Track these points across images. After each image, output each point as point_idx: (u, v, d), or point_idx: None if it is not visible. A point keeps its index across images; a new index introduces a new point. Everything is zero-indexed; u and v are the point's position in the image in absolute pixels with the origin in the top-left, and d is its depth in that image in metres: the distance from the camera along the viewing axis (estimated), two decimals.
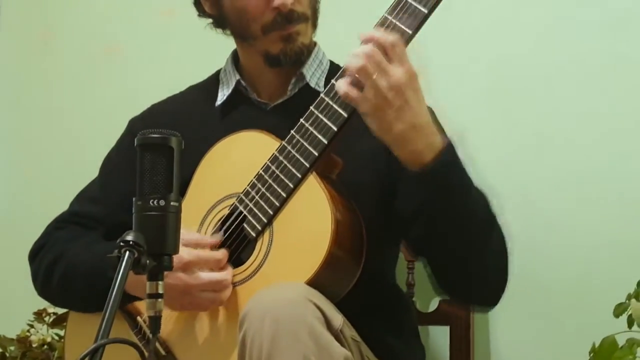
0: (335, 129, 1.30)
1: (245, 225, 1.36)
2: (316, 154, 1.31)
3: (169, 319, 1.38)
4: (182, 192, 1.12)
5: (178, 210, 1.08)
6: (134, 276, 1.02)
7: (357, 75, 1.25)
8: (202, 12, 1.53)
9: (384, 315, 1.49)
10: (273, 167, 1.34)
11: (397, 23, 1.28)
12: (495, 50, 1.85)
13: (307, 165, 1.31)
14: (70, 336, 1.54)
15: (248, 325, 1.20)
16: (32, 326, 1.92)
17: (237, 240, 1.37)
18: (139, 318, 1.43)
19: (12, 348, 1.92)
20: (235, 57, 1.57)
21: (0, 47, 2.31)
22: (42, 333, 1.91)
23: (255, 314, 1.20)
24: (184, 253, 1.29)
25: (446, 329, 1.77)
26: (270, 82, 1.52)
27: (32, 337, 1.91)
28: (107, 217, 1.52)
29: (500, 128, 1.83)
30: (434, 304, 1.81)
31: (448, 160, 1.28)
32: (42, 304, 1.79)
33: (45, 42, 2.23)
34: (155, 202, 1.07)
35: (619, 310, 1.48)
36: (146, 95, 1.69)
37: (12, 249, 2.12)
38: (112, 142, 1.63)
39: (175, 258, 1.09)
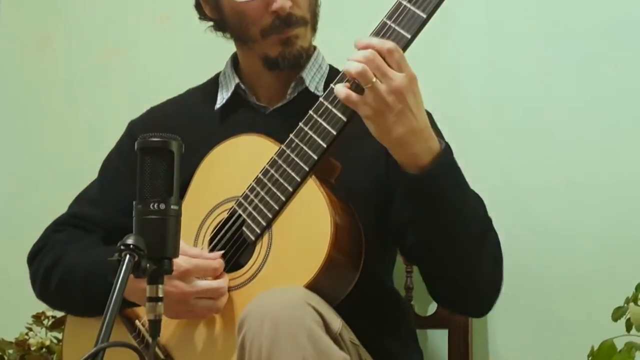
0: (334, 133, 1.31)
1: (244, 229, 1.36)
2: (315, 157, 1.32)
3: (168, 323, 1.38)
4: (181, 195, 1.12)
5: (178, 213, 1.09)
6: (131, 282, 1.02)
7: (356, 80, 1.26)
8: (202, 16, 1.54)
9: (382, 318, 1.49)
10: (272, 171, 1.35)
11: (396, 27, 1.28)
12: (493, 55, 1.85)
13: (307, 169, 1.32)
14: (68, 339, 1.54)
15: (247, 328, 1.20)
16: (30, 329, 1.92)
17: (236, 244, 1.37)
18: (137, 322, 1.43)
19: (10, 351, 1.92)
20: (234, 61, 1.57)
21: (0, 51, 2.31)
22: (41, 336, 1.91)
23: (254, 316, 1.20)
24: (182, 261, 1.29)
25: (445, 333, 1.77)
26: (269, 86, 1.52)
27: (31, 340, 1.90)
28: (106, 219, 1.53)
29: (498, 132, 1.83)
30: (432, 308, 1.82)
31: (445, 164, 1.29)
32: (40, 307, 1.79)
33: (45, 46, 2.23)
34: (155, 206, 1.07)
35: (617, 314, 1.48)
36: (145, 98, 1.69)
37: (10, 251, 2.12)
38: (111, 145, 1.63)
39: (173, 266, 1.09)
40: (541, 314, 1.76)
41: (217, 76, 1.60)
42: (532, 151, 1.81)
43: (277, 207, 1.33)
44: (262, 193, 1.35)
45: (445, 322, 1.76)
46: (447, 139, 1.35)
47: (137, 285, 1.13)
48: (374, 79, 1.23)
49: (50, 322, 1.91)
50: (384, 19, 1.29)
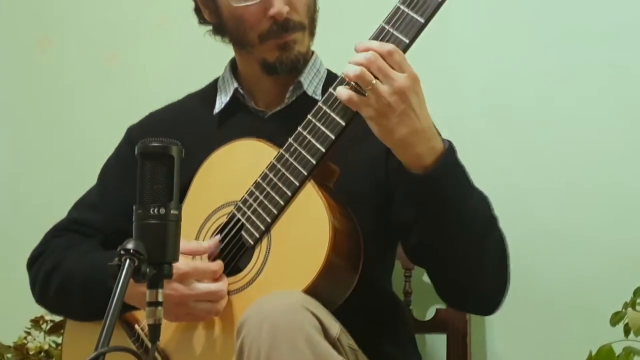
0: (332, 137, 1.31)
1: (243, 233, 1.36)
2: (314, 162, 1.32)
3: (167, 327, 1.38)
4: (180, 199, 1.13)
5: (178, 218, 1.09)
6: (131, 286, 1.02)
7: (357, 82, 1.26)
8: (202, 20, 1.54)
9: (381, 323, 1.49)
10: (271, 175, 1.35)
11: (394, 32, 1.28)
12: (491, 58, 1.85)
13: (305, 173, 1.32)
14: (67, 344, 1.54)
15: (246, 332, 1.20)
16: (29, 333, 1.92)
17: (235, 248, 1.38)
18: (136, 326, 1.43)
19: (9, 355, 1.92)
20: (233, 65, 1.58)
21: None
22: (39, 340, 1.91)
23: (253, 320, 1.20)
24: (181, 264, 1.29)
25: (443, 337, 1.77)
26: (267, 90, 1.52)
27: (29, 345, 1.90)
28: (106, 224, 1.53)
29: (499, 136, 1.84)
30: (431, 312, 1.82)
31: (449, 163, 1.29)
32: (39, 311, 1.80)
33: (44, 49, 2.24)
34: (155, 211, 1.07)
35: (615, 318, 1.48)
36: (144, 102, 1.69)
37: (9, 255, 2.12)
38: (110, 150, 1.63)
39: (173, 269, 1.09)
40: (539, 318, 1.76)
41: (215, 81, 1.60)
42: (532, 153, 1.81)
43: (275, 212, 1.33)
44: (261, 197, 1.35)
45: (444, 326, 1.76)
46: None
47: (137, 289, 1.14)
48: (374, 81, 1.24)
49: (48, 327, 1.91)
50: (382, 24, 1.30)
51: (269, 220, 1.33)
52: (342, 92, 1.27)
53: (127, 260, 1.03)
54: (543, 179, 1.80)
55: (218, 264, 1.35)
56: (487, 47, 1.86)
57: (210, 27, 1.54)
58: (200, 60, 1.88)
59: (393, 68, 1.24)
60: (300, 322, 1.19)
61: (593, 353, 1.47)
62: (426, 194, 1.28)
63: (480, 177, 1.36)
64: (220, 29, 1.52)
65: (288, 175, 1.33)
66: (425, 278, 1.85)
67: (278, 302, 1.22)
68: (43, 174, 2.21)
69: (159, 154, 1.09)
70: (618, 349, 1.46)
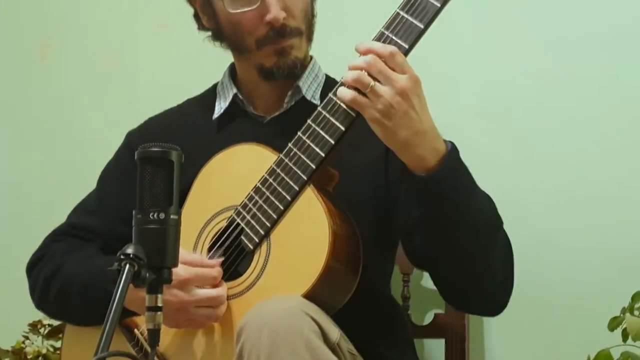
0: (332, 142, 1.31)
1: (242, 238, 1.36)
2: (314, 166, 1.32)
3: (167, 332, 1.38)
4: (180, 204, 1.13)
5: (178, 223, 1.09)
6: (130, 291, 1.02)
7: (356, 85, 1.26)
8: (200, 26, 1.55)
9: (380, 327, 1.49)
10: (271, 180, 1.35)
11: (394, 38, 1.29)
12: (489, 64, 1.86)
13: (305, 178, 1.32)
14: (66, 348, 1.54)
15: (246, 337, 1.20)
16: (27, 337, 1.92)
17: (235, 253, 1.38)
18: (136, 331, 1.43)
19: None
20: (232, 70, 1.58)
21: None
22: (37, 344, 1.91)
23: (253, 325, 1.20)
24: (181, 270, 1.30)
25: (441, 342, 1.77)
26: (266, 95, 1.53)
27: (27, 349, 1.90)
28: (105, 229, 1.53)
29: (495, 142, 1.84)
30: (429, 317, 1.82)
31: (453, 164, 1.29)
32: (37, 315, 1.79)
33: (43, 54, 2.24)
34: (155, 215, 1.08)
35: (613, 323, 1.49)
36: (143, 106, 1.69)
37: (7, 260, 2.12)
38: (110, 152, 1.64)
39: (172, 275, 1.09)
40: (538, 323, 1.77)
41: (214, 86, 1.60)
42: (529, 159, 1.81)
43: (275, 216, 1.33)
44: (261, 202, 1.35)
45: (442, 331, 1.77)
46: None
47: (136, 294, 1.14)
48: (372, 83, 1.24)
49: (46, 331, 1.91)
50: (382, 29, 1.30)
51: (268, 224, 1.33)
52: (345, 93, 1.27)
53: (127, 265, 1.03)
54: (540, 185, 1.80)
55: (218, 270, 1.35)
56: (484, 53, 1.86)
57: (209, 33, 1.54)
58: (199, 64, 1.88)
59: (394, 70, 1.24)
60: (300, 327, 1.19)
61: (591, 358, 1.47)
62: (430, 195, 1.28)
63: (478, 182, 1.36)
64: (218, 35, 1.53)
65: (288, 180, 1.33)
66: (424, 283, 1.85)
67: (278, 307, 1.22)
68: (42, 178, 2.21)
69: (159, 158, 1.09)
70: (616, 354, 1.46)
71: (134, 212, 1.09)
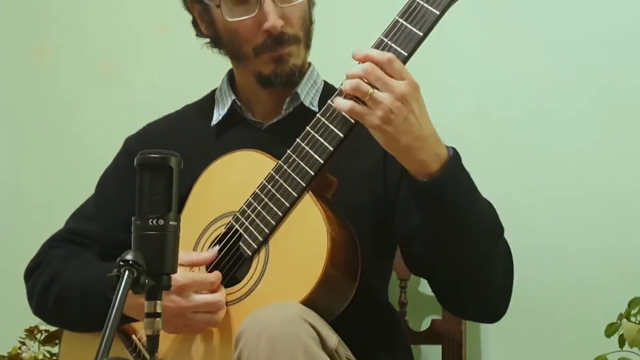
0: (331, 148, 1.31)
1: (241, 244, 1.36)
2: (312, 173, 1.32)
3: (165, 338, 1.38)
4: (179, 210, 1.13)
5: (177, 229, 1.09)
6: (129, 297, 1.02)
7: (354, 94, 1.26)
8: (199, 32, 1.55)
9: (377, 334, 1.49)
10: (269, 186, 1.35)
11: (393, 45, 1.29)
12: (488, 70, 1.86)
13: (304, 184, 1.32)
14: (64, 354, 1.54)
15: (244, 344, 1.20)
16: (23, 343, 1.92)
17: (233, 259, 1.38)
18: (134, 336, 1.43)
19: None
20: (230, 77, 1.58)
21: None
22: (34, 350, 1.91)
23: (251, 332, 1.20)
24: (179, 276, 1.29)
25: (438, 348, 1.77)
26: (264, 102, 1.53)
27: (24, 355, 1.90)
28: (103, 235, 1.53)
29: (493, 147, 1.85)
30: (426, 323, 1.82)
31: (455, 170, 1.29)
32: (33, 321, 1.79)
33: (41, 57, 2.24)
34: (154, 222, 1.08)
35: (610, 329, 1.49)
36: (142, 111, 1.69)
37: (2, 265, 2.12)
38: (108, 156, 1.64)
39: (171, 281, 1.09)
40: (535, 329, 1.77)
41: (213, 92, 1.61)
42: (528, 164, 1.82)
43: (274, 222, 1.33)
44: (259, 208, 1.35)
45: (439, 337, 1.77)
46: None
47: (135, 300, 1.13)
48: (370, 90, 1.24)
49: (43, 337, 1.91)
50: (381, 37, 1.30)
51: (267, 231, 1.34)
52: (342, 103, 1.28)
53: (126, 272, 1.03)
54: (539, 188, 1.81)
55: (216, 275, 1.35)
56: (482, 57, 1.87)
57: (208, 40, 1.55)
58: (198, 69, 1.88)
59: (393, 76, 1.25)
60: (298, 333, 1.19)
61: None
62: (432, 200, 1.28)
63: (477, 186, 1.36)
64: (216, 42, 1.53)
65: (286, 186, 1.33)
66: (421, 289, 1.86)
67: (276, 313, 1.22)
68: (41, 182, 2.21)
69: (158, 165, 1.09)
70: None
71: (133, 219, 1.09)
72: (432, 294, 1.42)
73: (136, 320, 1.39)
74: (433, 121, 1.29)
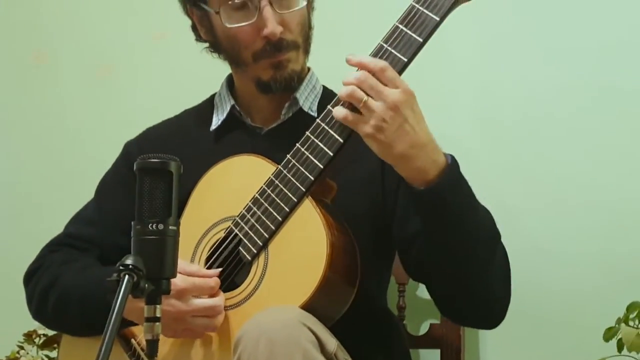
0: (331, 154, 1.32)
1: (240, 249, 1.37)
2: (312, 178, 1.32)
3: (163, 343, 1.36)
4: (178, 215, 1.13)
5: (176, 234, 1.09)
6: (129, 301, 1.02)
7: (350, 101, 1.27)
8: (198, 38, 1.55)
9: (376, 338, 1.49)
10: (269, 191, 1.35)
11: (393, 51, 1.29)
12: (485, 76, 1.87)
13: (303, 189, 1.32)
14: (63, 358, 1.54)
15: (243, 348, 1.20)
16: (22, 347, 1.91)
17: (232, 264, 1.38)
18: (132, 341, 1.43)
19: None
20: (230, 82, 1.58)
21: None
22: (32, 354, 1.90)
23: (250, 336, 1.20)
24: (179, 280, 1.30)
25: (437, 352, 1.77)
26: (263, 107, 1.53)
27: (22, 359, 1.90)
28: (103, 239, 1.53)
29: (489, 154, 1.85)
30: (424, 327, 1.82)
31: (452, 177, 1.29)
32: (32, 325, 1.79)
33: (39, 63, 2.24)
34: (153, 226, 1.08)
35: (609, 334, 1.49)
36: (140, 116, 1.69)
37: (0, 270, 2.12)
38: (104, 161, 1.64)
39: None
40: (533, 334, 1.77)
41: (212, 97, 1.61)
42: (524, 169, 1.82)
43: (273, 227, 1.33)
44: (259, 213, 1.35)
45: (438, 342, 1.77)
46: None
47: (135, 304, 1.14)
48: (365, 98, 1.24)
49: (41, 341, 1.91)
50: (381, 42, 1.31)
51: (266, 236, 1.34)
52: (338, 111, 1.28)
53: (126, 276, 1.03)
54: (535, 194, 1.81)
55: (215, 280, 1.35)
56: (479, 65, 1.87)
57: (207, 44, 1.55)
58: (197, 74, 1.88)
59: (387, 85, 1.25)
60: (298, 338, 1.19)
61: None
62: (429, 208, 1.28)
63: (474, 191, 1.36)
64: (215, 47, 1.53)
65: (286, 191, 1.34)
66: (419, 293, 1.86)
67: (275, 318, 1.22)
68: (39, 186, 2.21)
69: (158, 169, 1.09)
70: None
71: (132, 223, 1.09)
72: (431, 298, 1.42)
73: (135, 324, 1.39)
74: (430, 126, 1.29)
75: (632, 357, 1.50)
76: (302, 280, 1.28)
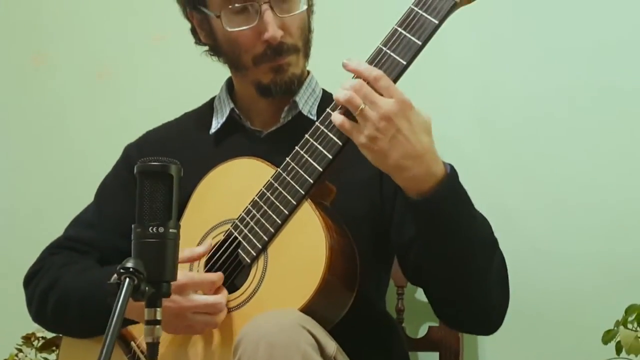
0: (330, 157, 1.32)
1: (240, 251, 1.37)
2: (311, 181, 1.33)
3: (163, 344, 1.36)
4: (178, 218, 1.13)
5: (177, 237, 1.09)
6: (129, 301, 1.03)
7: (347, 106, 1.27)
8: (198, 41, 1.55)
9: (375, 341, 1.50)
10: (268, 194, 1.36)
11: (392, 54, 1.29)
12: (484, 78, 1.87)
13: (303, 192, 1.33)
14: None
15: (243, 351, 1.21)
16: (20, 350, 1.91)
17: (232, 266, 1.38)
18: (132, 343, 1.43)
19: None
20: (229, 85, 1.59)
21: None
22: (31, 357, 1.90)
23: (249, 339, 1.21)
24: (179, 275, 1.29)
25: (436, 355, 1.77)
26: (263, 110, 1.53)
27: None
28: (102, 242, 1.53)
29: (488, 156, 1.85)
30: (423, 330, 1.82)
31: (449, 189, 1.28)
32: (30, 327, 1.79)
33: (38, 65, 2.24)
34: (154, 229, 1.08)
35: (607, 337, 1.49)
36: (140, 119, 1.69)
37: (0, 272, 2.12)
38: (105, 166, 1.64)
39: None
40: (532, 336, 1.77)
41: (212, 100, 1.61)
42: (523, 171, 1.82)
43: (272, 230, 1.34)
44: (258, 216, 1.36)
45: (436, 344, 1.77)
46: None
47: (135, 303, 1.14)
48: (362, 105, 1.24)
49: (40, 343, 1.90)
50: (380, 46, 1.31)
51: (266, 238, 1.34)
52: (336, 117, 1.28)
53: (127, 279, 1.03)
54: (534, 196, 1.81)
55: (217, 275, 1.35)
56: (479, 67, 1.87)
57: (206, 48, 1.55)
58: (196, 77, 1.88)
59: (381, 93, 1.25)
60: (297, 341, 1.19)
61: None
62: (426, 218, 1.28)
63: (472, 192, 1.37)
64: (215, 51, 1.54)
65: (285, 194, 1.34)
66: (418, 295, 1.86)
67: (275, 321, 1.22)
68: (39, 189, 2.21)
69: (158, 173, 1.09)
70: None
71: (133, 226, 1.09)
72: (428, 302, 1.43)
73: (135, 322, 1.38)
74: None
75: (631, 359, 1.50)
76: (301, 283, 1.28)
